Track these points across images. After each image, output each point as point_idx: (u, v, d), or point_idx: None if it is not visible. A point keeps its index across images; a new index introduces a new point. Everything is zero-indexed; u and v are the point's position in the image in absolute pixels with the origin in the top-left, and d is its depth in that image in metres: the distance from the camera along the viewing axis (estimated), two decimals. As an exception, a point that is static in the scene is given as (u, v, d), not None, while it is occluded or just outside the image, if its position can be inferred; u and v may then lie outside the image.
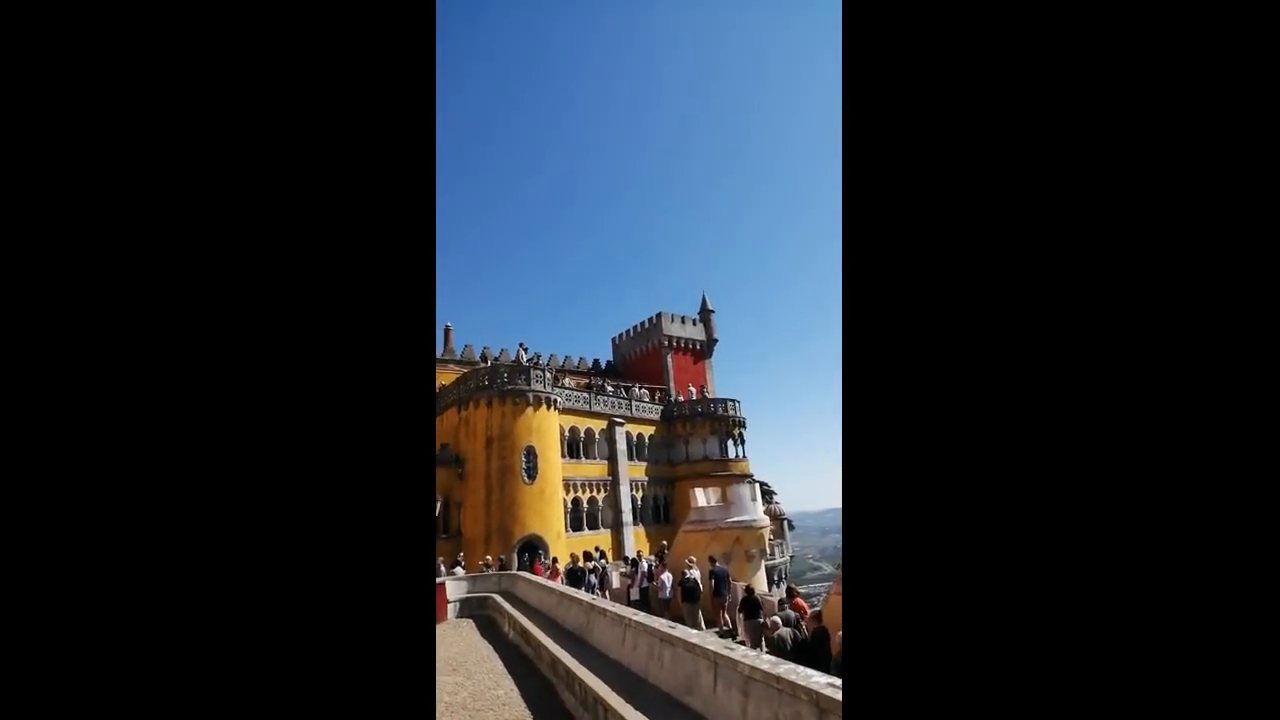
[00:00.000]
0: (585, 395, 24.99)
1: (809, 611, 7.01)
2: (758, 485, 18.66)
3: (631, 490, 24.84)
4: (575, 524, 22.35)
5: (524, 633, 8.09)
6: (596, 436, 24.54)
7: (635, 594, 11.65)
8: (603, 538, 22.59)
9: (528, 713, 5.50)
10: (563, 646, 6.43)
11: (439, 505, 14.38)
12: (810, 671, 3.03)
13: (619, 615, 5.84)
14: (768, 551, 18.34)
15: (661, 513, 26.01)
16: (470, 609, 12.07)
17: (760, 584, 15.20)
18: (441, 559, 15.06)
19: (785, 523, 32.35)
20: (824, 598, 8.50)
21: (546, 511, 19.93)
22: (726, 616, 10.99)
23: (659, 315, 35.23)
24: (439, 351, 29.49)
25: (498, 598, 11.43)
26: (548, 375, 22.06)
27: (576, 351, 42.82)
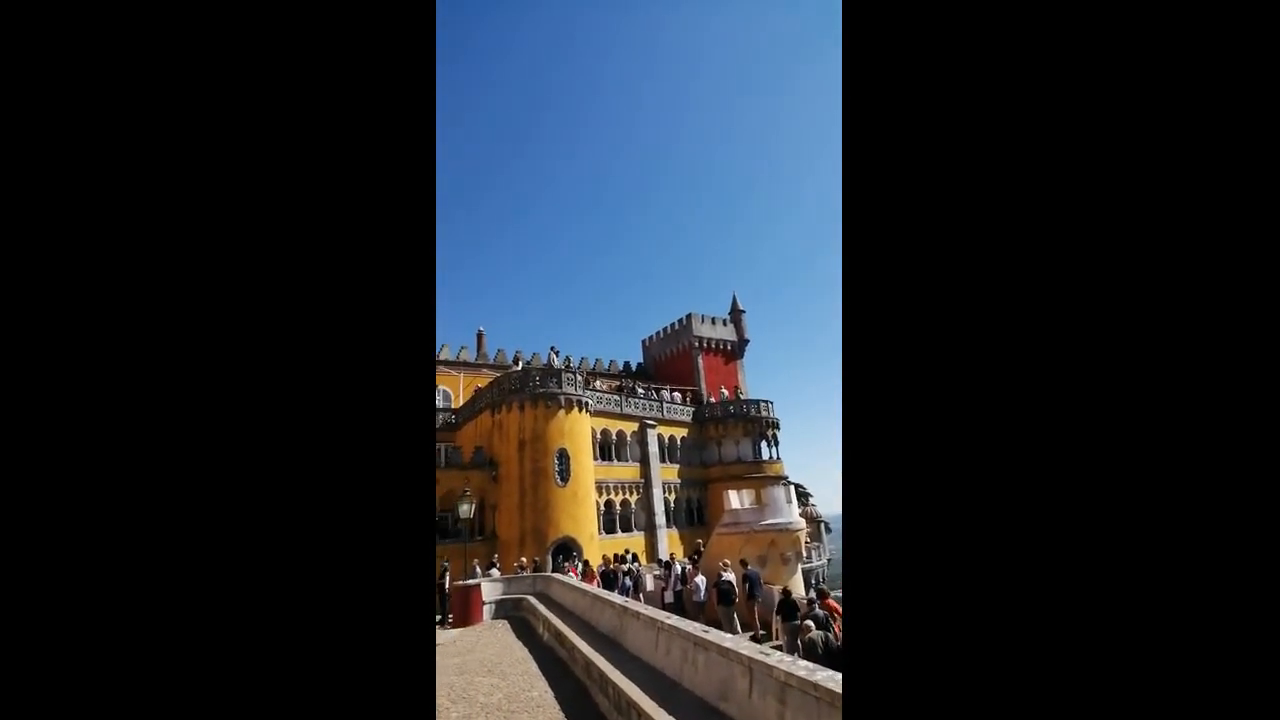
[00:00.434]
0: (616, 398, 25.03)
1: (841, 612, 6.86)
2: (792, 487, 18.31)
3: (664, 492, 24.74)
4: (609, 526, 22.38)
5: (558, 635, 8.09)
6: (628, 439, 24.54)
7: (669, 597, 11.57)
8: (636, 540, 22.56)
9: (561, 715, 5.48)
10: (596, 649, 6.40)
11: (473, 507, 14.56)
12: (850, 679, 2.91)
13: (652, 618, 5.77)
14: (804, 555, 17.98)
15: (695, 515, 25.83)
16: (505, 610, 12.17)
17: (797, 588, 14.89)
18: (477, 561, 15.26)
19: (822, 525, 31.74)
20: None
21: (579, 514, 20.00)
22: (757, 620, 10.82)
23: (689, 316, 35.06)
24: (472, 356, 29.99)
25: (532, 599, 11.49)
26: (579, 378, 22.17)
27: (607, 354, 42.99)
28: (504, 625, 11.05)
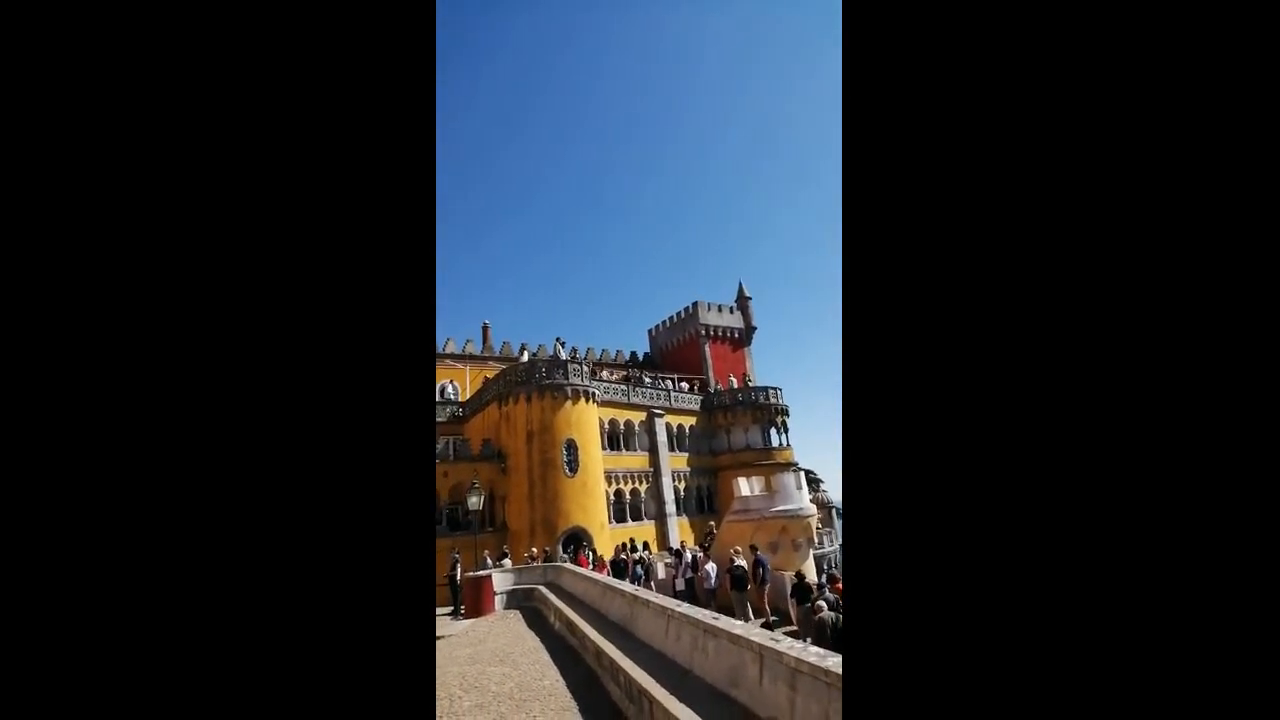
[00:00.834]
0: (623, 388, 25.00)
1: None
2: (803, 474, 18.24)
3: (674, 481, 24.75)
4: (619, 515, 22.43)
5: (569, 624, 8.10)
6: (636, 428, 24.53)
7: (680, 584, 11.59)
8: (646, 529, 22.61)
9: (573, 703, 5.47)
10: (607, 637, 6.39)
11: (483, 499, 14.62)
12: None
13: (662, 606, 5.74)
14: (816, 541, 17.95)
15: (705, 503, 25.85)
16: (517, 600, 12.23)
17: (809, 574, 14.88)
18: (487, 552, 15.32)
19: (834, 511, 31.68)
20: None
21: (589, 504, 20.05)
22: (766, 605, 10.86)
23: (695, 304, 34.90)
24: (478, 349, 30.03)
25: (543, 589, 11.54)
26: (585, 369, 22.14)
27: (613, 344, 42.96)
28: (516, 615, 11.11)
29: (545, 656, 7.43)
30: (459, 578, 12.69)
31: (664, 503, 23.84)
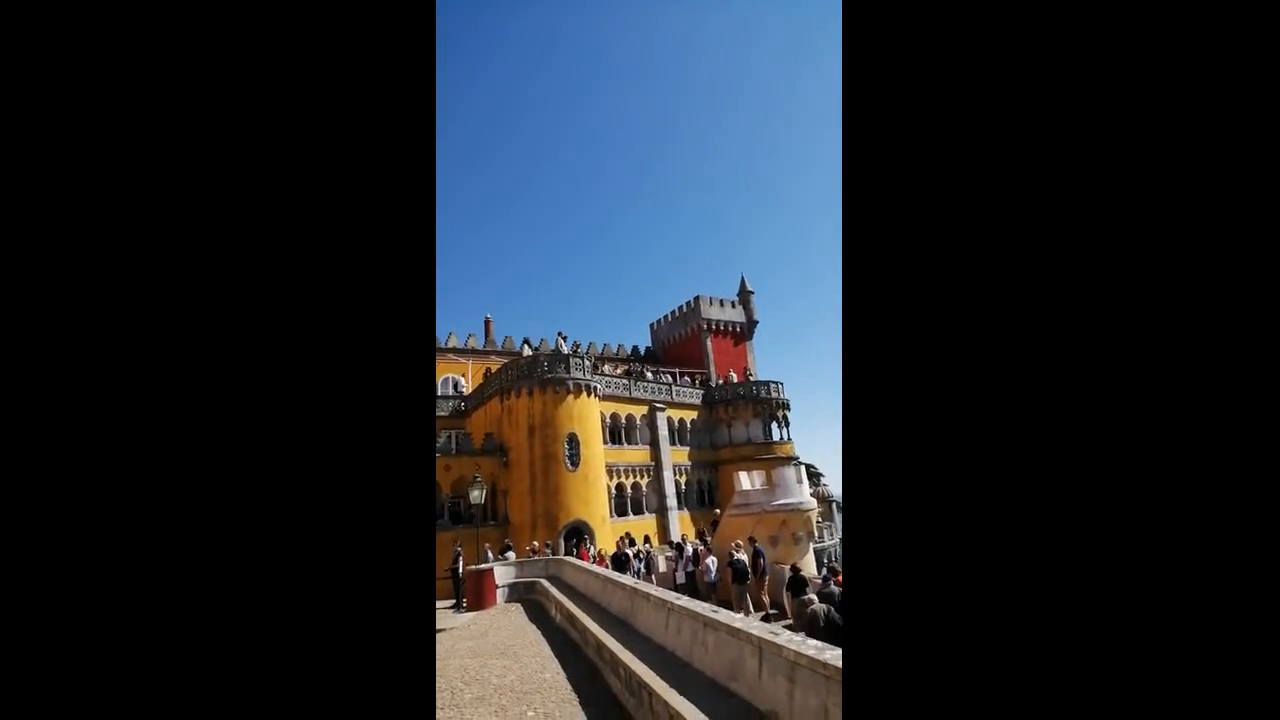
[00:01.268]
0: (625, 382, 25.01)
1: None
2: (803, 467, 18.27)
3: (675, 475, 24.80)
4: (620, 509, 22.50)
5: (570, 617, 8.14)
6: (638, 422, 24.56)
7: (681, 578, 11.63)
8: (647, 522, 22.67)
9: (574, 695, 5.50)
10: (608, 631, 6.42)
11: (485, 493, 14.66)
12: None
13: (662, 599, 5.77)
14: (816, 534, 17.99)
15: (706, 497, 25.91)
16: (518, 593, 12.29)
17: (809, 567, 14.93)
18: (489, 545, 15.39)
19: (834, 505, 31.72)
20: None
21: (590, 497, 20.10)
22: (765, 597, 10.92)
23: (697, 299, 34.85)
24: (480, 343, 30.05)
25: (545, 582, 11.59)
26: (587, 363, 22.14)
27: (615, 338, 42.92)
28: (517, 608, 11.16)
29: (546, 649, 7.48)
30: (461, 571, 12.74)
31: (665, 496, 23.91)
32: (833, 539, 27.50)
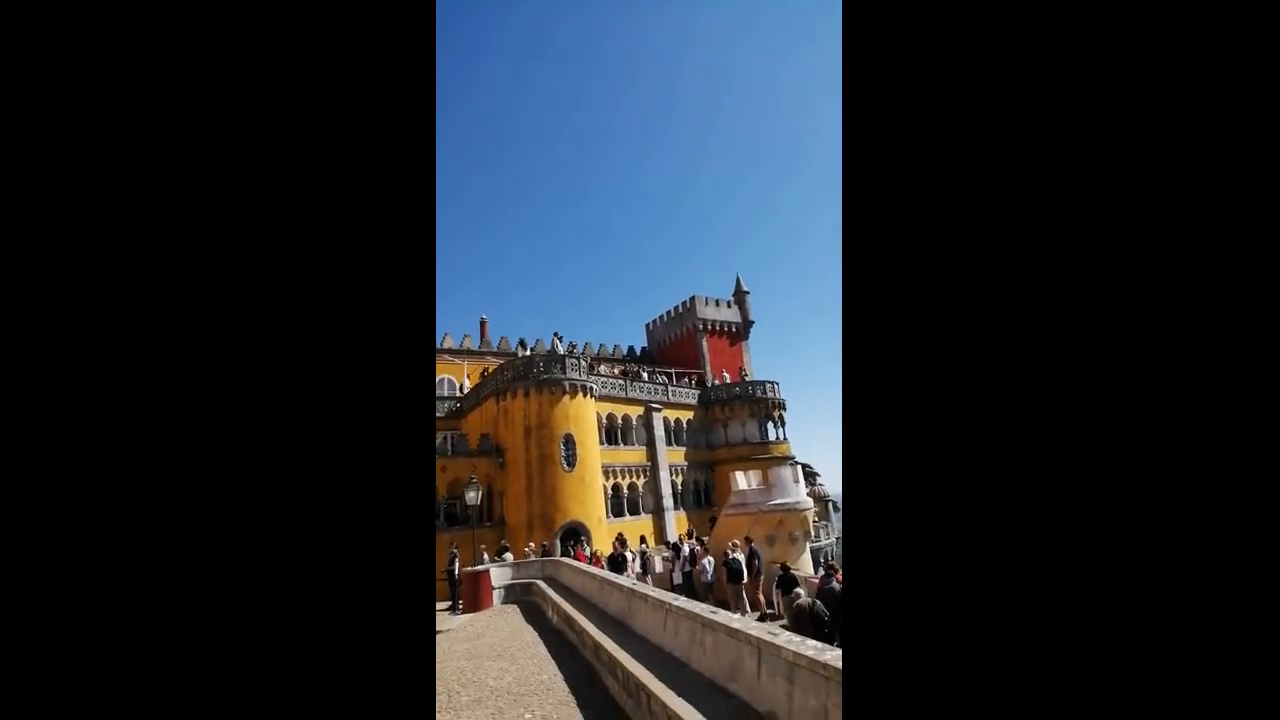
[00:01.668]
0: (621, 382, 24.99)
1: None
2: (799, 467, 18.30)
3: (671, 475, 24.80)
4: (616, 510, 22.48)
5: (567, 618, 8.12)
6: (634, 423, 24.55)
7: (678, 578, 11.62)
8: (644, 523, 22.66)
9: (571, 697, 5.48)
10: (605, 632, 6.40)
11: (480, 494, 14.62)
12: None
13: (660, 600, 5.75)
14: (812, 534, 18.02)
15: (702, 497, 25.92)
16: (515, 595, 12.25)
17: (806, 567, 14.95)
18: (484, 547, 15.33)
19: (830, 504, 31.80)
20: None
21: (587, 498, 20.07)
22: (761, 596, 10.95)
23: (693, 299, 34.86)
24: (476, 344, 29.97)
25: (541, 584, 11.56)
26: (583, 364, 22.12)
27: (611, 339, 42.88)
28: (514, 610, 11.13)
29: (543, 651, 7.45)
30: (457, 572, 12.69)
31: (661, 497, 23.90)
32: (829, 538, 27.57)
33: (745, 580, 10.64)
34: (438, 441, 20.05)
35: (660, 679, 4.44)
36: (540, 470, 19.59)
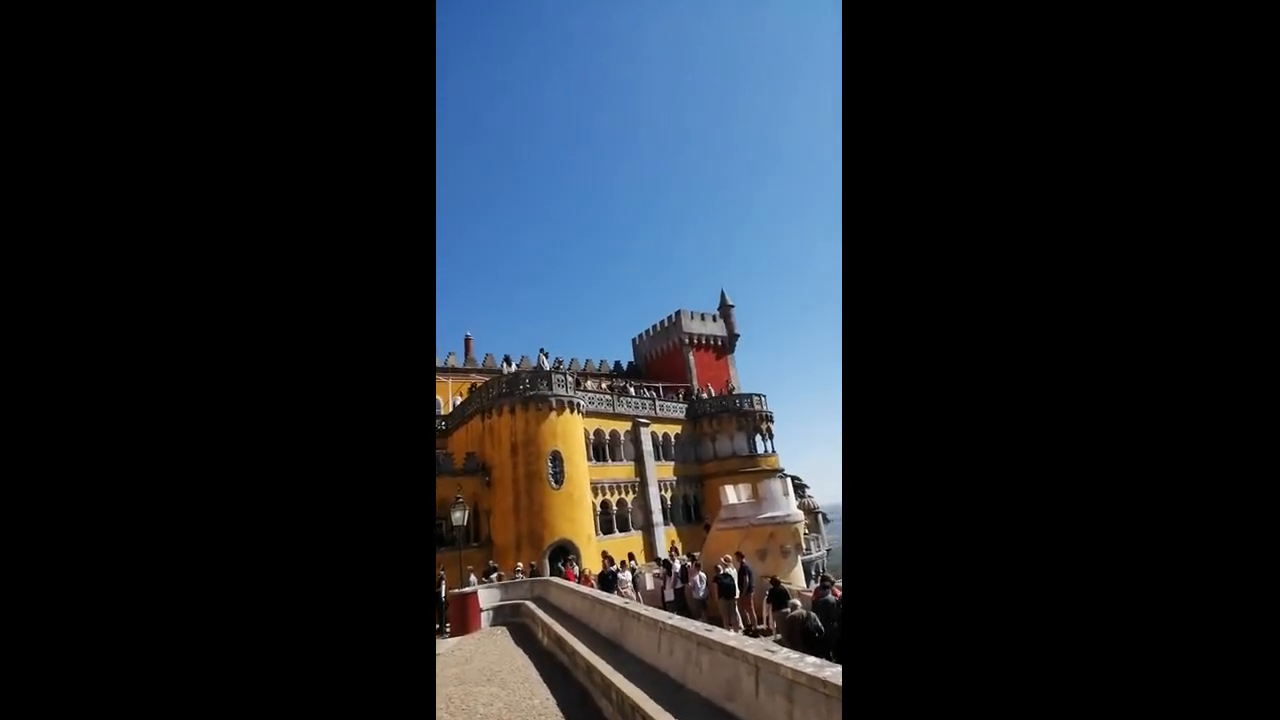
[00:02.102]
0: (608, 397, 24.89)
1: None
2: (789, 479, 18.26)
3: (660, 490, 24.64)
4: (605, 527, 22.24)
5: (558, 640, 7.95)
6: (622, 438, 24.41)
7: (670, 595, 11.47)
8: (634, 539, 22.43)
9: (564, 723, 5.34)
10: (597, 652, 6.27)
11: (467, 513, 14.37)
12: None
13: (653, 619, 5.65)
14: (803, 546, 17.96)
15: (692, 512, 25.77)
16: (504, 616, 12.00)
17: (798, 580, 14.86)
18: (472, 568, 15.03)
19: (820, 516, 31.77)
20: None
21: (576, 515, 19.84)
22: (753, 612, 10.87)
23: (678, 313, 34.99)
24: (460, 361, 29.71)
25: (530, 604, 11.34)
26: (569, 379, 22.00)
27: (597, 354, 42.83)
28: (502, 632, 10.89)
29: (534, 674, 7.28)
30: (444, 595, 12.41)
31: (651, 512, 23.72)
32: (819, 551, 27.50)
33: (737, 595, 10.56)
34: (423, 461, 19.69)
35: (656, 700, 4.34)
36: (528, 488, 19.35)
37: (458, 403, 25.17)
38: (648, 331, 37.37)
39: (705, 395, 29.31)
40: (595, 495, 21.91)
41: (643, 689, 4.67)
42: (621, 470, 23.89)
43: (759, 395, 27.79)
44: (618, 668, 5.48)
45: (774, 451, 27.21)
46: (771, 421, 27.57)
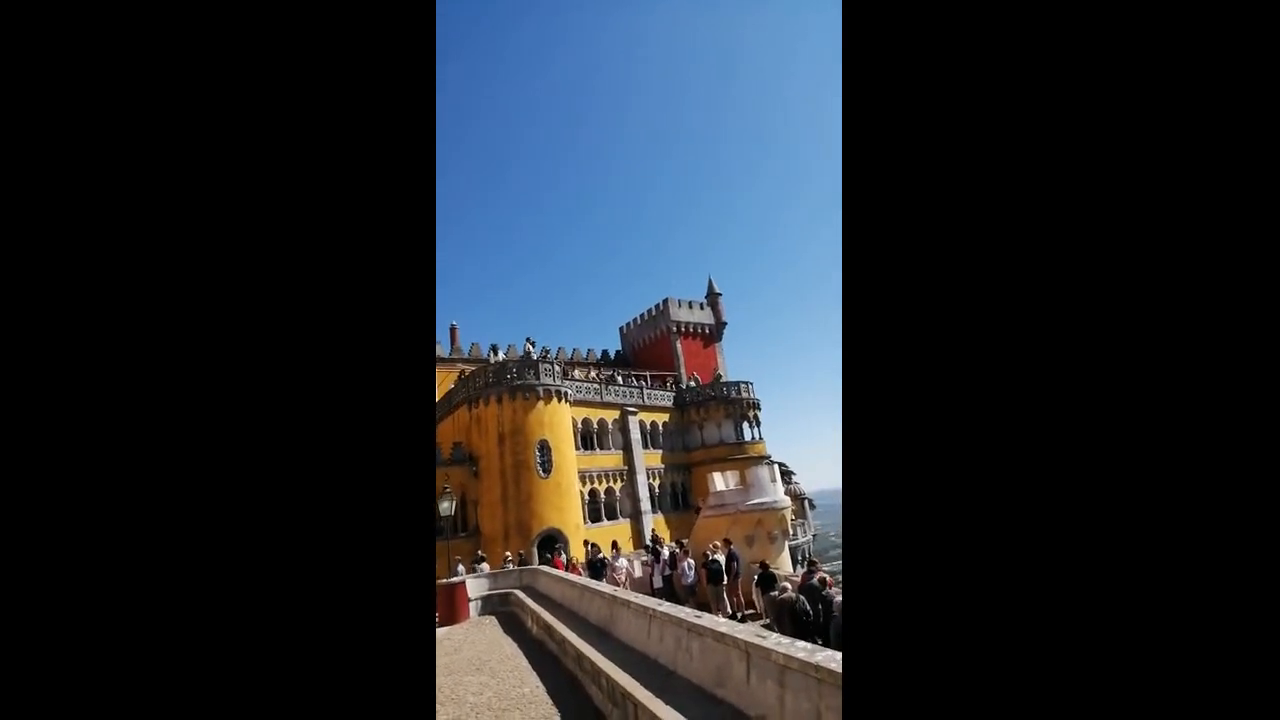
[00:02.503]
0: (596, 386, 24.83)
1: (831, 582, 7.34)
2: (776, 466, 18.43)
3: (648, 478, 24.71)
4: (594, 515, 22.28)
5: (548, 628, 7.94)
6: (610, 427, 24.40)
7: (658, 582, 11.52)
8: (621, 528, 22.50)
9: (555, 710, 5.33)
10: (587, 640, 6.26)
11: (454, 504, 14.29)
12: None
13: (643, 606, 5.64)
14: (790, 532, 18.14)
15: (680, 499, 25.89)
16: (492, 606, 11.99)
17: (785, 565, 15.02)
18: (460, 558, 14.97)
19: (806, 502, 32.15)
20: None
21: (564, 504, 19.84)
22: (740, 597, 10.99)
23: (666, 301, 34.92)
24: (446, 351, 29.44)
25: (519, 593, 11.33)
26: (557, 368, 21.89)
27: (584, 343, 42.69)
28: (491, 621, 10.88)
29: (524, 663, 7.26)
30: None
31: (639, 501, 23.79)
32: (806, 536, 27.84)
33: (725, 582, 10.63)
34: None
35: (646, 687, 4.33)
36: (515, 478, 19.29)
37: (444, 392, 24.96)
38: (635, 320, 37.27)
39: (693, 383, 29.36)
40: (583, 484, 21.91)
41: (633, 675, 4.67)
42: (609, 459, 23.90)
43: (746, 383, 27.89)
44: (608, 655, 5.47)
45: (761, 439, 27.38)
46: (758, 409, 27.71)
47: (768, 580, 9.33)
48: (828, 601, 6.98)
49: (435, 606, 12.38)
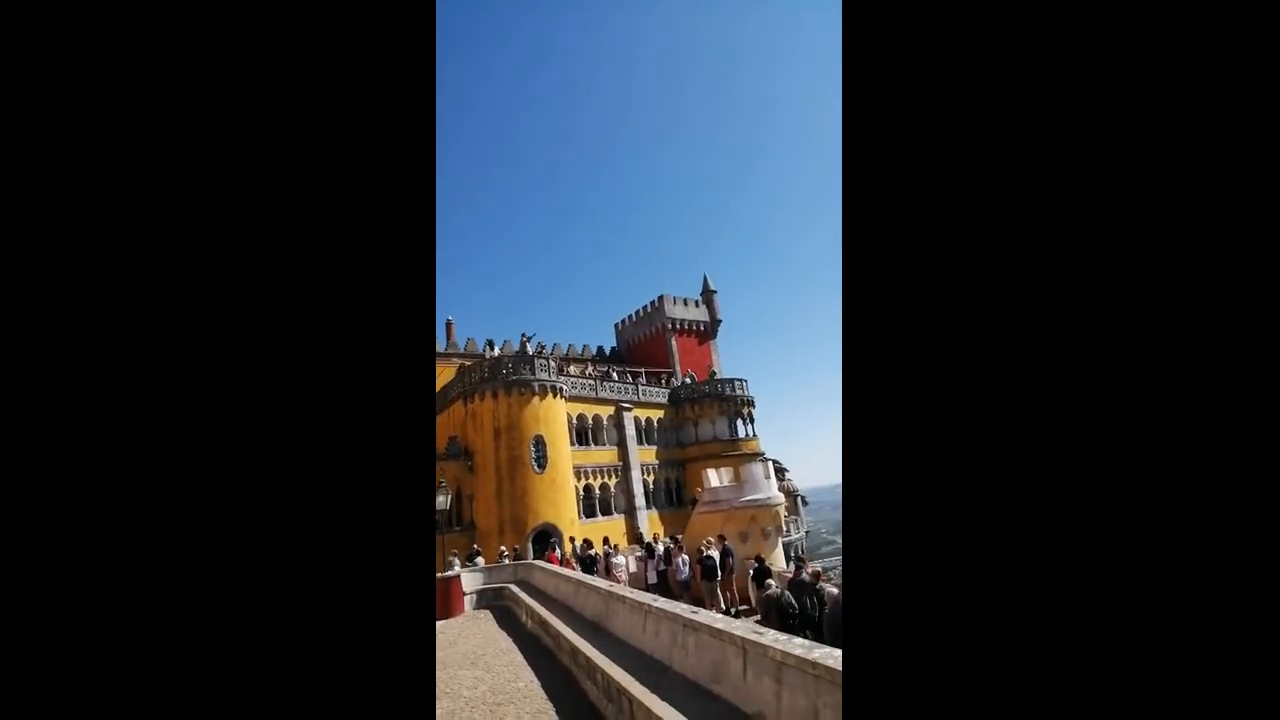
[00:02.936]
0: (591, 382, 24.82)
1: (821, 575, 7.47)
2: (770, 463, 18.50)
3: (643, 474, 24.75)
4: (588, 511, 22.31)
5: (543, 623, 7.96)
6: (605, 423, 24.41)
7: (653, 577, 11.56)
8: (616, 523, 22.55)
9: (549, 705, 5.35)
10: (582, 635, 6.28)
11: (450, 498, 14.28)
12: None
13: (638, 602, 5.67)
14: (784, 528, 18.23)
15: (674, 495, 25.95)
16: (487, 600, 12.00)
17: (778, 561, 15.10)
18: (455, 552, 14.98)
19: (799, 499, 32.27)
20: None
21: (558, 500, 19.86)
22: (734, 592, 11.05)
23: (661, 298, 34.91)
24: (442, 346, 29.34)
25: (514, 588, 11.35)
26: (552, 364, 21.87)
27: (580, 339, 42.71)
28: (486, 615, 10.89)
29: (519, 657, 7.28)
30: (426, 580, 12.35)
31: (633, 496, 23.83)
32: (799, 532, 27.95)
33: (720, 577, 10.69)
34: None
35: (641, 682, 4.35)
36: (510, 473, 19.29)
37: (439, 387, 24.90)
38: (630, 317, 37.25)
39: (688, 380, 29.39)
40: (578, 479, 21.93)
41: (629, 671, 4.69)
42: (604, 455, 23.92)
43: (740, 380, 27.95)
44: (603, 650, 5.49)
45: (755, 436, 27.46)
46: (752, 406, 27.77)
47: (762, 574, 9.41)
48: (820, 595, 7.05)
49: (435, 601, 12.39)
